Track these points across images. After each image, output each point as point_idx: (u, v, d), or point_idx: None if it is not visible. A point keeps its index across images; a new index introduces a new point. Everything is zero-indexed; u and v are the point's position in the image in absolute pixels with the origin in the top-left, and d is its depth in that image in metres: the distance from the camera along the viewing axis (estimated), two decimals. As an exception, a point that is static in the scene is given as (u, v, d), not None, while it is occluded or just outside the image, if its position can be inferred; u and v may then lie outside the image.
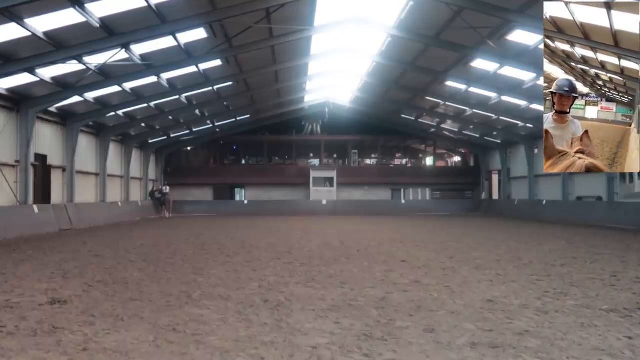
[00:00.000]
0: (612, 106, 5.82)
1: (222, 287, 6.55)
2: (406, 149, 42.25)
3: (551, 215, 24.07)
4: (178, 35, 15.50)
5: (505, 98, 23.05)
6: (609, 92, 6.10)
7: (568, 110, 5.50)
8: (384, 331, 4.46)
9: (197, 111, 26.95)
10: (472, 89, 22.76)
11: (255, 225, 20.15)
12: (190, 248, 11.58)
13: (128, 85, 19.65)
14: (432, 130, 34.37)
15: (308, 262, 9.04)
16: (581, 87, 5.89)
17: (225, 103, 26.72)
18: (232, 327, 4.62)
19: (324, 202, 34.01)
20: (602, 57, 6.14)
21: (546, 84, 6.27)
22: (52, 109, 19.37)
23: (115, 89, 19.52)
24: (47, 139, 19.83)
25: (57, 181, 20.74)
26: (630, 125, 5.73)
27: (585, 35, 6.01)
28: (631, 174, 21.58)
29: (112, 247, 11.90)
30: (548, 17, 6.03)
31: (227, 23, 15.34)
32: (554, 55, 6.26)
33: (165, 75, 19.47)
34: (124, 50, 15.15)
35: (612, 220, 19.41)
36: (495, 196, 34.81)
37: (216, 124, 31.68)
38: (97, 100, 20.51)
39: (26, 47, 14.14)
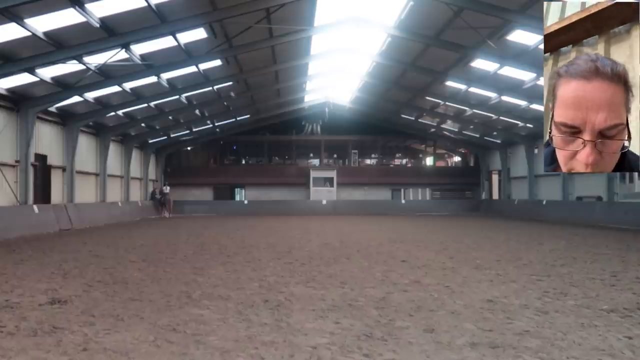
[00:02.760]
0: None
1: (222, 287, 6.55)
2: (406, 149, 42.18)
3: (551, 215, 24.06)
4: (178, 35, 15.49)
5: (505, 98, 23.05)
6: None
7: None
8: (384, 331, 4.46)
9: (197, 111, 26.94)
10: (472, 89, 22.76)
11: (255, 225, 20.14)
12: (190, 248, 11.58)
13: (128, 85, 19.64)
14: (432, 130, 34.34)
15: (308, 262, 9.04)
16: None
17: (225, 103, 26.71)
18: (232, 327, 4.62)
19: (324, 202, 34.00)
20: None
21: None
22: (52, 109, 19.36)
23: (115, 89, 19.51)
24: (47, 139, 19.82)
25: (57, 181, 20.73)
26: None
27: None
28: (631, 174, 21.56)
29: (112, 247, 11.90)
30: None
31: (227, 23, 15.35)
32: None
33: (165, 75, 19.47)
34: (124, 50, 15.14)
35: (612, 220, 19.40)
36: (495, 196, 34.79)
37: (216, 124, 31.66)
38: (97, 100, 20.50)
39: (26, 47, 14.14)
